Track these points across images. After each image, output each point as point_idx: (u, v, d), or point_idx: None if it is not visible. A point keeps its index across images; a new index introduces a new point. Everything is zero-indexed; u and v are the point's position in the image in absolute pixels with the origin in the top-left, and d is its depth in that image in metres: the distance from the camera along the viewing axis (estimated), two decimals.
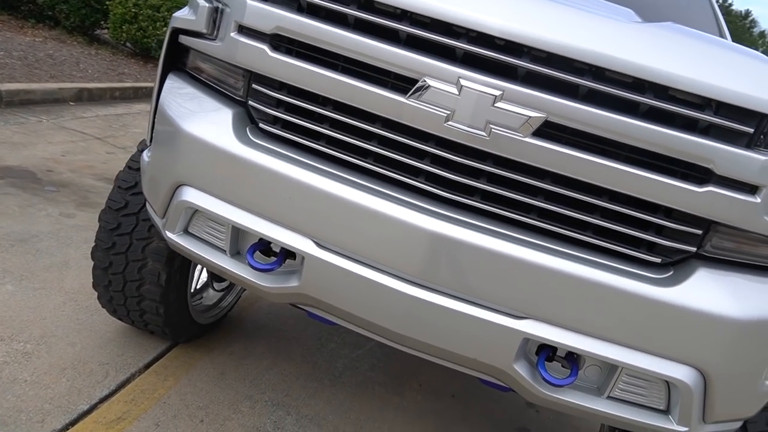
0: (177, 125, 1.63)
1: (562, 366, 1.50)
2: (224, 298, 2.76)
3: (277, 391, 2.48)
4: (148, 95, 7.77)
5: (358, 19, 1.46)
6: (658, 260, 1.43)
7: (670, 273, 1.43)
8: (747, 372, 1.46)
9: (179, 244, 1.69)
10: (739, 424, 1.60)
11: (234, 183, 1.55)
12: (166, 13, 8.85)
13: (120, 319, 2.45)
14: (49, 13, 8.99)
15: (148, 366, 2.41)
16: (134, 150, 2.27)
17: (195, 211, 1.65)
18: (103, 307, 2.39)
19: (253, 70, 1.57)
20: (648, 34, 1.38)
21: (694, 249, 1.42)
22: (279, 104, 1.59)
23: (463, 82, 1.35)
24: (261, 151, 1.53)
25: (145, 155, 1.85)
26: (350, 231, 1.46)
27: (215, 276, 2.65)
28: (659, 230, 1.43)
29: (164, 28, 8.87)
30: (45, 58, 7.17)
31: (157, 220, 1.79)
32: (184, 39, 1.75)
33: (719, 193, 1.35)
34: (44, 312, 2.54)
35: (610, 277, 1.38)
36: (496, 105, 1.34)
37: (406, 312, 1.46)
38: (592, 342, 1.41)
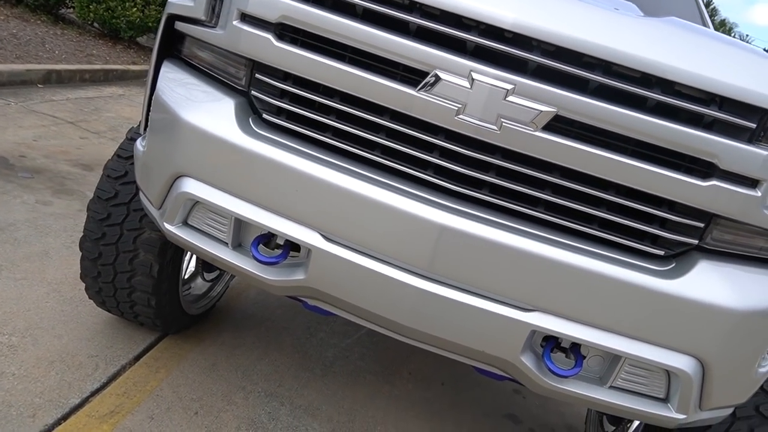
0: (176, 114, 1.59)
1: (566, 357, 1.53)
2: (213, 288, 2.73)
3: (269, 382, 2.47)
4: (119, 78, 7.56)
5: (366, 10, 1.44)
6: (661, 252, 1.46)
7: (673, 265, 1.46)
8: (743, 360, 1.51)
9: (178, 235, 1.66)
10: (731, 410, 1.66)
11: (238, 174, 1.53)
12: None
13: (108, 311, 2.39)
14: None
15: (138, 358, 2.37)
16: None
17: (195, 203, 1.62)
18: (90, 298, 2.34)
19: (257, 59, 1.54)
20: (656, 29, 1.39)
21: (695, 241, 1.46)
22: (284, 95, 1.56)
23: (475, 75, 1.34)
24: (266, 142, 1.50)
25: (139, 144, 1.80)
26: (358, 223, 1.45)
27: (205, 265, 2.61)
28: (663, 223, 1.46)
29: (134, 9, 8.63)
30: (8, 37, 6.89)
31: (153, 211, 1.75)
32: (180, 26, 1.70)
33: (722, 187, 1.38)
34: (27, 303, 2.47)
35: (616, 270, 1.40)
36: (507, 99, 1.34)
37: (415, 305, 1.46)
38: (596, 333, 1.44)
